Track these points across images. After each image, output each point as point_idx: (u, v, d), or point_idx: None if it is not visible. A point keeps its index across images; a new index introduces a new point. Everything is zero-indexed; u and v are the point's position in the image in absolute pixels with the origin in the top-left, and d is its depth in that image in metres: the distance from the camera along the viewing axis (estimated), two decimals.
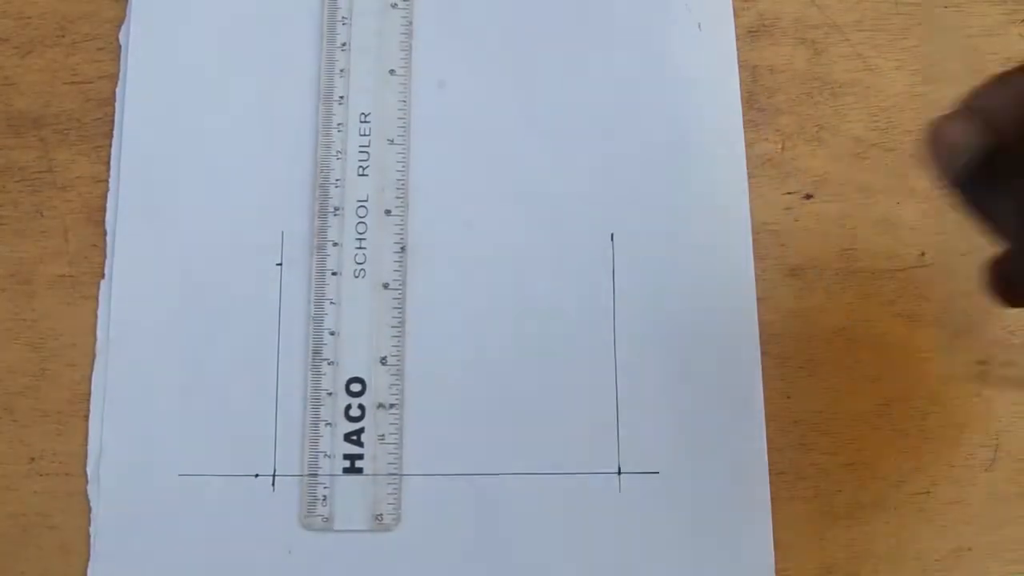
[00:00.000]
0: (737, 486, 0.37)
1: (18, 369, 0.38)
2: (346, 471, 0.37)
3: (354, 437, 0.37)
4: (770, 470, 0.37)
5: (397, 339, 0.38)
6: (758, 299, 0.39)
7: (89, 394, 0.37)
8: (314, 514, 0.36)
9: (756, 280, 0.39)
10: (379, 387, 0.37)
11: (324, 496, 0.36)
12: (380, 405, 0.37)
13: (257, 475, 0.37)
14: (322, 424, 0.37)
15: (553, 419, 0.37)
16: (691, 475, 0.37)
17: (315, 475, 0.37)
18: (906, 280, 0.39)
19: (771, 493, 0.37)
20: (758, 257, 0.39)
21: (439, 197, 0.39)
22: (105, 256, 0.39)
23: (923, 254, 0.39)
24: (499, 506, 0.37)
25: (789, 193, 0.40)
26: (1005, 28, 0.41)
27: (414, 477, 0.37)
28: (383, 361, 0.38)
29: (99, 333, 0.38)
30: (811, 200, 0.40)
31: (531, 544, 0.36)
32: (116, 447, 0.37)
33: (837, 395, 0.38)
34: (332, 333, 0.38)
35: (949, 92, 0.28)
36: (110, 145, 0.39)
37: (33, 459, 0.37)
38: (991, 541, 0.37)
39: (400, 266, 0.38)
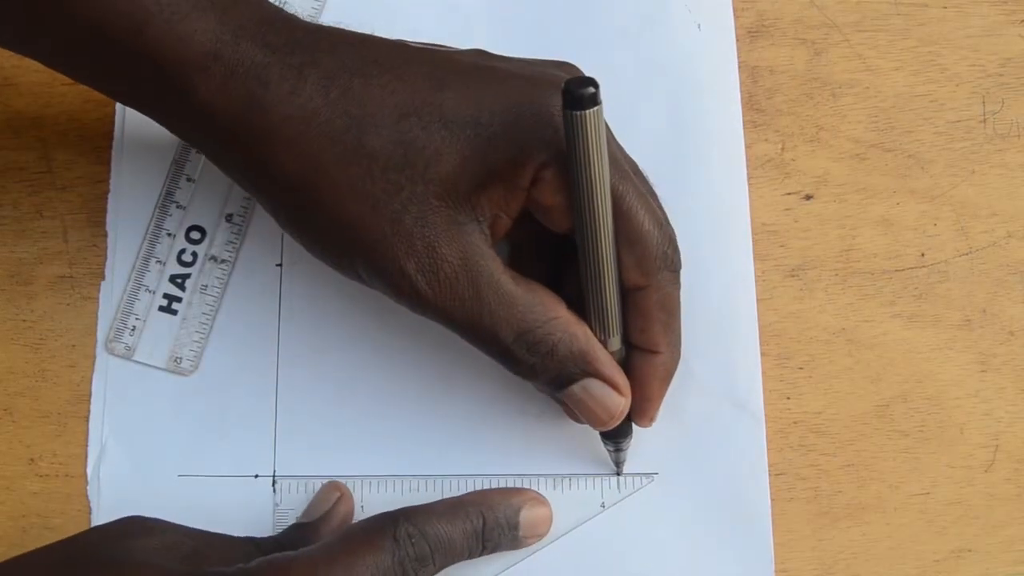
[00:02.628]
0: (737, 487, 0.37)
1: (18, 370, 0.38)
2: (161, 309, 0.38)
3: (179, 280, 0.38)
4: (770, 471, 0.37)
5: (247, 200, 0.39)
6: (758, 299, 0.39)
7: (89, 395, 0.38)
8: (119, 340, 0.38)
9: (756, 280, 0.39)
10: (218, 241, 0.38)
11: (134, 327, 0.38)
12: (213, 258, 0.38)
13: (257, 476, 0.37)
14: (153, 260, 0.38)
15: (552, 420, 0.37)
16: (691, 476, 0.37)
17: (131, 305, 0.38)
18: (906, 280, 0.39)
19: (771, 494, 0.37)
20: (758, 257, 0.39)
21: None
22: (105, 256, 0.39)
23: (923, 254, 0.39)
24: None
25: (789, 194, 0.40)
26: (1005, 28, 0.41)
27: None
28: (228, 218, 0.39)
29: (99, 334, 0.38)
30: (811, 201, 0.40)
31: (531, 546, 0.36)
32: (116, 448, 0.37)
33: (837, 396, 0.38)
34: (190, 180, 0.39)
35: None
36: (110, 145, 0.39)
37: (32, 460, 0.37)
38: (991, 542, 0.37)
39: None
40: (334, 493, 0.36)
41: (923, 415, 0.38)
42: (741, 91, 0.41)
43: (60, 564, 0.31)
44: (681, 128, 0.40)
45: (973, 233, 0.40)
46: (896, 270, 0.39)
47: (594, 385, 0.33)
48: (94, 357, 0.38)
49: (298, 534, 0.34)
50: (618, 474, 0.37)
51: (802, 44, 0.41)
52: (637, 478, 0.37)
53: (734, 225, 0.39)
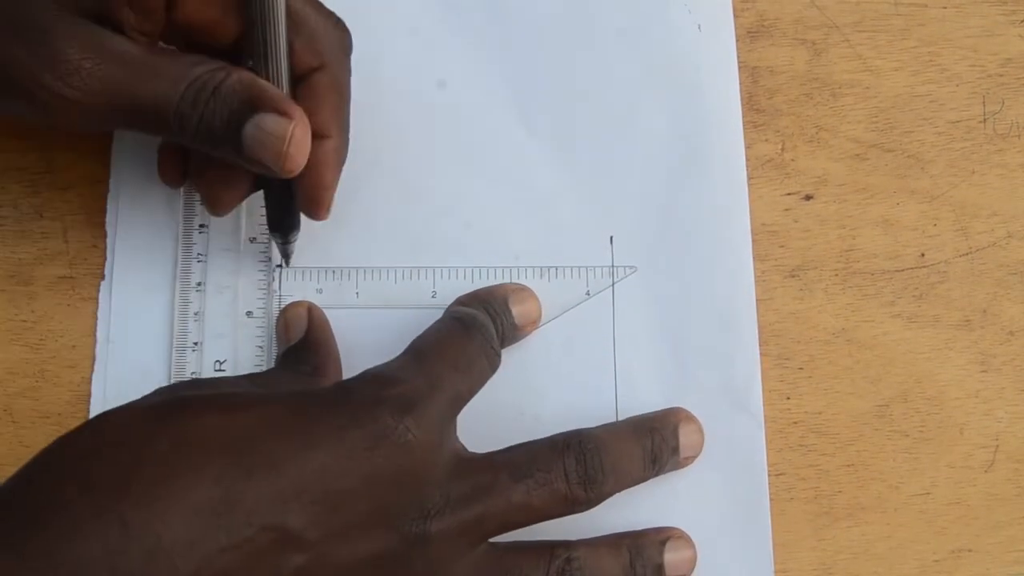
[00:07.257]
0: (736, 487, 0.37)
1: (18, 370, 0.38)
2: None
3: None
4: (769, 471, 0.37)
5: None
6: (758, 300, 0.39)
7: (89, 395, 0.37)
8: None
9: (756, 281, 0.39)
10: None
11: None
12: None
13: None
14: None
15: (551, 420, 0.37)
16: (690, 475, 0.37)
17: None
18: (906, 281, 0.39)
19: (771, 494, 0.37)
20: (758, 258, 0.39)
21: (438, 197, 0.39)
22: (105, 257, 0.39)
23: (923, 255, 0.39)
24: None
25: (789, 194, 0.40)
26: (1005, 28, 0.41)
27: None
28: None
29: (99, 334, 0.38)
30: (811, 201, 0.40)
31: None
32: None
33: (837, 396, 0.38)
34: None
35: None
36: (110, 145, 0.40)
37: None
38: (991, 542, 0.37)
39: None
40: (302, 308, 0.37)
41: (923, 415, 0.38)
42: (741, 91, 0.41)
43: (158, 407, 0.30)
44: (681, 128, 0.40)
45: (973, 233, 0.40)
46: (896, 270, 0.39)
47: (267, 120, 0.33)
48: (94, 358, 0.38)
49: (301, 359, 0.35)
50: (286, 265, 0.38)
51: (802, 44, 0.41)
52: None
53: (734, 225, 0.39)
